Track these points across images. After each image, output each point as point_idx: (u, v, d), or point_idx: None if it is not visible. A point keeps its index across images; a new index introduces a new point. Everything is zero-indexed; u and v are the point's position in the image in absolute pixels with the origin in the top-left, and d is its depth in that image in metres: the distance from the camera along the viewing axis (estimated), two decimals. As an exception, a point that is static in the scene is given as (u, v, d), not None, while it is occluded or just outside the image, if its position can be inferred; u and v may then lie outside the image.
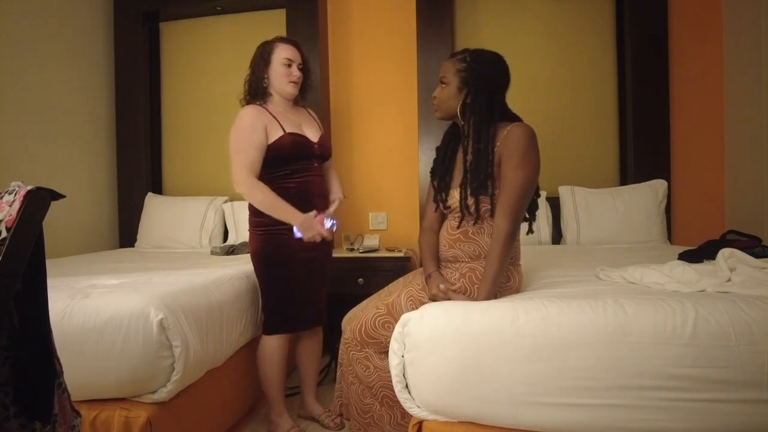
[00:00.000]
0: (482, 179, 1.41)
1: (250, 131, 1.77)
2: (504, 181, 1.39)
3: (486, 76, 1.47)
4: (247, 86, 1.91)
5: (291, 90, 1.89)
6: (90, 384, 1.36)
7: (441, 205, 1.55)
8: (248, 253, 1.93)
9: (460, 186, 1.46)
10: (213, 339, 1.64)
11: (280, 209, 1.76)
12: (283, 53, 1.87)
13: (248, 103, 1.89)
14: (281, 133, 1.81)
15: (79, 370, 1.32)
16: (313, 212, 1.80)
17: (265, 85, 1.88)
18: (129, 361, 1.35)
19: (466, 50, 1.52)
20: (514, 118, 1.50)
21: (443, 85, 1.51)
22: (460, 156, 1.55)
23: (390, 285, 1.74)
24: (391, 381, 1.25)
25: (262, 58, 1.89)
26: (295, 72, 1.87)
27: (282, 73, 1.86)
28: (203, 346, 1.55)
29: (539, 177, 1.47)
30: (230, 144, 1.79)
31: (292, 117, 1.91)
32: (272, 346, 1.85)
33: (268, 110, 1.85)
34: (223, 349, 1.73)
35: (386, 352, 1.43)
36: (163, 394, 1.40)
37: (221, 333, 1.70)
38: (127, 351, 1.35)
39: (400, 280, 1.75)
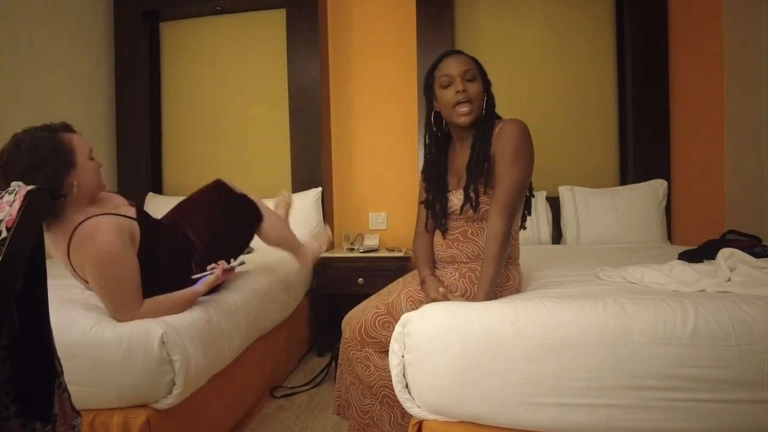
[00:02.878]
0: (486, 177, 1.41)
1: (121, 256, 1.39)
2: (498, 179, 1.38)
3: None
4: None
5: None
6: (90, 398, 1.34)
7: (438, 207, 1.50)
8: (248, 253, 1.90)
9: (465, 188, 1.43)
10: (214, 349, 1.61)
11: (183, 300, 1.55)
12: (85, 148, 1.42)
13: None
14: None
15: (79, 385, 1.29)
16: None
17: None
18: (129, 376, 1.33)
19: (459, 51, 1.49)
20: (498, 116, 1.50)
21: (472, 81, 1.41)
22: (454, 159, 1.54)
23: (390, 285, 1.74)
24: (391, 380, 1.24)
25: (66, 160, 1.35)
26: (101, 161, 1.48)
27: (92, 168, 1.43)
28: (205, 358, 1.53)
29: (535, 175, 1.45)
30: (97, 281, 1.38)
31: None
32: (271, 217, 1.91)
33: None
34: (225, 357, 1.71)
35: (386, 352, 1.43)
36: (163, 405, 1.39)
37: (222, 343, 1.67)
38: (127, 366, 1.32)
39: (400, 280, 1.74)
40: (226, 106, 3.28)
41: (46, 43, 2.75)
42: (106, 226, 1.36)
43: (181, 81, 3.36)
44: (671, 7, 2.80)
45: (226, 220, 1.80)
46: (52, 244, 1.41)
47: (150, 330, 1.36)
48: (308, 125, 3.02)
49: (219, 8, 3.21)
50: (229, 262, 1.68)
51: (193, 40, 3.33)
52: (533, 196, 1.55)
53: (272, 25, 3.19)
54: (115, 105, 3.26)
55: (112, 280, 1.37)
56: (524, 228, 1.56)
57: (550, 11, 2.96)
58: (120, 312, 1.40)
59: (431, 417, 1.20)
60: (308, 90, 3.02)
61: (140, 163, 3.24)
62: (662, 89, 2.78)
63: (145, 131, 3.25)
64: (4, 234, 0.72)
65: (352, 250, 2.83)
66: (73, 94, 2.95)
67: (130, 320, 1.40)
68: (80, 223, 1.35)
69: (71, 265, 1.40)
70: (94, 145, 1.46)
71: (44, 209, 0.79)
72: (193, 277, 1.62)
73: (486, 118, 1.45)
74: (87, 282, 1.43)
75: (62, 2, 2.88)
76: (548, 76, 2.96)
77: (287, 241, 2.03)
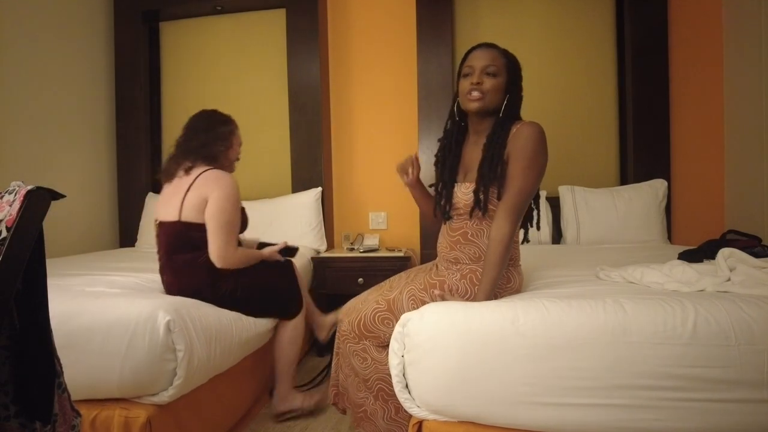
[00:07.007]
0: (500, 181, 1.39)
1: (239, 205, 1.79)
2: (510, 181, 1.37)
3: (520, 76, 1.48)
4: (208, 151, 1.86)
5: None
6: (91, 383, 1.36)
7: (444, 202, 1.49)
8: (296, 250, 2.04)
9: (476, 190, 1.41)
10: (221, 349, 1.62)
11: (254, 258, 1.87)
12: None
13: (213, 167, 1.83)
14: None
15: (82, 369, 1.32)
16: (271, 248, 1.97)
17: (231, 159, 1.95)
18: (133, 362, 1.34)
19: (494, 45, 1.47)
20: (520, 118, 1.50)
21: (491, 76, 1.41)
22: (465, 152, 1.53)
23: (392, 278, 1.70)
24: (388, 373, 1.24)
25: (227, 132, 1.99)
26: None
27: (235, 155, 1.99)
28: (210, 355, 1.53)
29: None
30: (220, 213, 1.71)
31: None
32: (297, 326, 1.97)
33: None
34: (231, 359, 1.72)
35: (384, 346, 1.44)
36: (163, 398, 1.40)
37: (231, 343, 1.68)
38: (132, 351, 1.34)
39: (403, 274, 1.71)
40: (225, 106, 3.24)
41: (46, 43, 2.75)
42: (233, 179, 1.77)
43: (181, 81, 3.36)
44: (671, 7, 2.80)
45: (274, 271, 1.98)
46: (171, 192, 1.78)
47: (157, 316, 1.37)
48: (308, 125, 3.02)
49: (219, 8, 3.21)
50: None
51: (193, 40, 3.33)
52: (539, 210, 1.54)
53: (272, 25, 3.19)
54: (115, 105, 3.26)
55: (230, 216, 1.70)
56: (527, 241, 1.56)
57: (550, 12, 2.96)
58: (227, 246, 1.69)
59: (431, 417, 1.20)
60: (308, 90, 3.02)
61: (140, 163, 3.24)
62: (662, 89, 2.78)
63: (145, 131, 3.25)
64: (4, 234, 0.72)
65: (352, 249, 2.83)
66: (73, 93, 2.95)
67: (231, 260, 1.71)
68: (209, 169, 1.76)
69: (182, 204, 1.70)
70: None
71: (44, 209, 0.79)
72: (261, 241, 1.95)
73: (504, 119, 1.43)
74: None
75: (62, 2, 2.88)
76: (549, 76, 2.96)
77: (287, 366, 1.97)
